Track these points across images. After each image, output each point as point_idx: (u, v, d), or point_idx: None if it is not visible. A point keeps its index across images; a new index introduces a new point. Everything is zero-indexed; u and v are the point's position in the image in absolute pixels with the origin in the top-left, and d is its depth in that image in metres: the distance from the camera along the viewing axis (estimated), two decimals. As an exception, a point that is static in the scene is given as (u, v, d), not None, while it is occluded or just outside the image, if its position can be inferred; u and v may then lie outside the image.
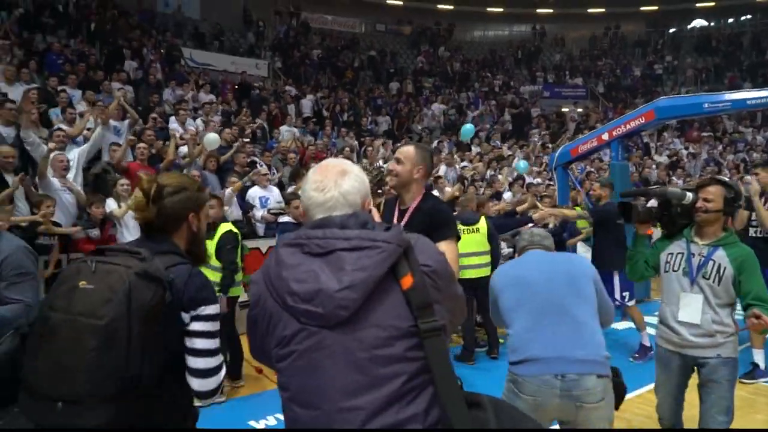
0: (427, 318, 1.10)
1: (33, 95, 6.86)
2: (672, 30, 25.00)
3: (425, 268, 1.15)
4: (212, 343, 1.54)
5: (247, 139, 8.76)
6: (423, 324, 1.09)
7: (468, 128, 7.43)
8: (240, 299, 4.65)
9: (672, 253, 2.74)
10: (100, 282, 1.42)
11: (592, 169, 10.48)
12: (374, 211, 1.30)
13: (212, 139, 6.54)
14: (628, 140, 8.15)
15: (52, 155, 5.40)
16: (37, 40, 12.87)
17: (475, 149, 12.15)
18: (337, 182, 1.24)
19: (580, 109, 18.40)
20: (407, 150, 2.45)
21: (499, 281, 2.50)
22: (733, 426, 2.68)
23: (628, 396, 3.84)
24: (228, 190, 6.25)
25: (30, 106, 6.21)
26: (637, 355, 5.12)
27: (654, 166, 11.66)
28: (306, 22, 22.60)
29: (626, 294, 5.14)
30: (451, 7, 26.49)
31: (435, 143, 12.15)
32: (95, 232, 5.05)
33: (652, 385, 3.00)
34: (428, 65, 21.84)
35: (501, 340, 5.23)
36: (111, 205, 5.30)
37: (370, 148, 10.33)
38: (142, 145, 6.43)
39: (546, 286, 2.31)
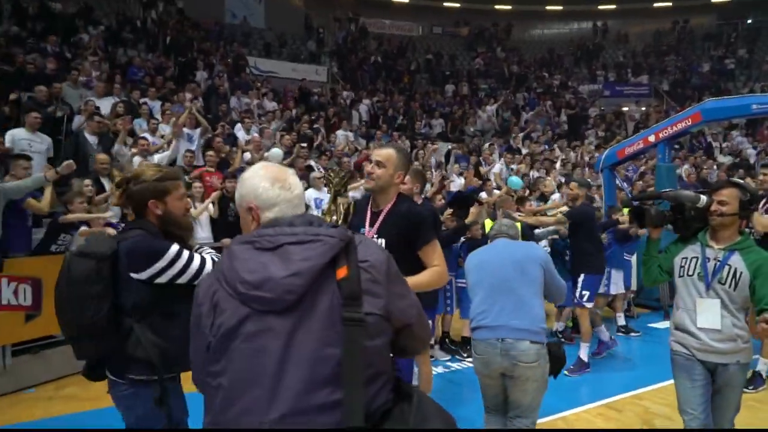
0: (352, 308, 1.18)
1: (120, 108, 7.81)
2: (749, 21, 23.74)
3: (363, 264, 1.23)
4: (187, 278, 2.06)
5: (305, 144, 9.43)
6: (346, 312, 1.17)
7: (514, 181, 7.70)
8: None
9: (686, 258, 2.69)
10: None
11: (647, 171, 10.41)
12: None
13: (275, 154, 7.20)
14: (675, 142, 8.12)
15: (136, 161, 6.23)
16: (119, 54, 14.17)
17: (525, 151, 12.31)
18: (296, 182, 1.39)
19: (643, 108, 17.97)
20: (388, 153, 2.42)
21: (467, 264, 3.10)
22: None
23: (648, 388, 4.14)
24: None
25: (120, 120, 7.12)
26: (572, 367, 4.90)
27: (715, 167, 11.37)
28: (364, 27, 23.30)
29: (586, 293, 4.96)
30: (509, 7, 26.40)
31: (486, 145, 12.40)
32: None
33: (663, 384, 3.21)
34: (485, 67, 21.95)
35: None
36: (186, 205, 6.06)
37: (421, 151, 10.75)
38: (211, 152, 7.20)
39: (499, 268, 2.89)
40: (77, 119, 7.39)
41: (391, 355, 1.33)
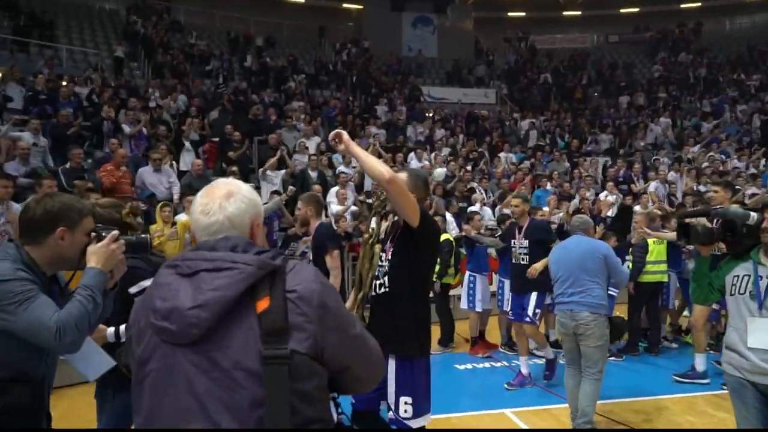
0: (275, 344, 1.08)
1: (323, 146, 10.14)
2: None
3: (290, 294, 1.13)
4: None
5: (469, 168, 10.83)
6: (266, 350, 1.07)
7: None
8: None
9: (738, 276, 2.61)
10: None
11: None
12: (260, 232, 1.30)
13: (438, 174, 8.73)
14: None
15: (335, 190, 8.28)
16: (317, 95, 17.17)
17: (706, 164, 11.97)
18: (221, 205, 1.24)
19: None
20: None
21: (552, 254, 4.32)
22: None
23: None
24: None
25: (323, 157, 9.38)
26: (513, 383, 5.05)
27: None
28: (534, 46, 23.94)
29: (538, 312, 5.08)
30: (698, 4, 24.65)
31: (652, 159, 12.42)
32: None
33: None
34: (666, 73, 20.97)
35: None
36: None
37: (581, 170, 11.34)
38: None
39: (569, 260, 4.04)
40: (297, 158, 9.79)
41: (333, 394, 1.25)
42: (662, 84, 20.10)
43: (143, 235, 2.38)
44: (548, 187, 9.94)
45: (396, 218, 2.64)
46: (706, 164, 11.83)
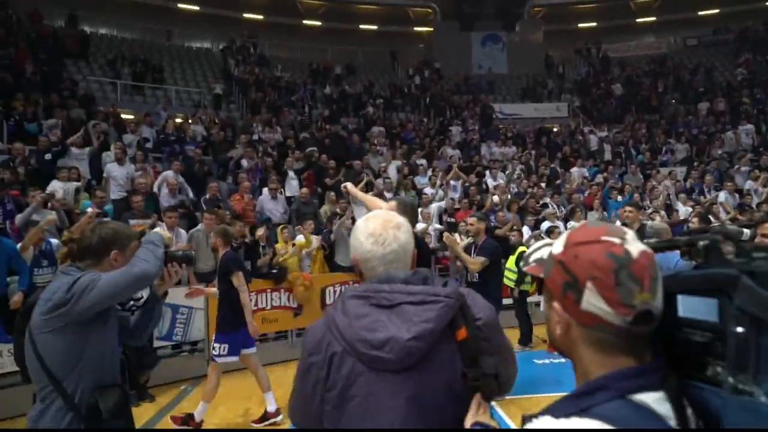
0: (474, 369, 1.25)
1: (405, 169, 11.47)
2: None
3: (477, 322, 1.30)
4: None
5: (543, 185, 11.75)
6: (470, 372, 1.24)
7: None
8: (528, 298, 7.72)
9: None
10: None
11: None
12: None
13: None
14: None
15: (419, 210, 9.55)
16: (393, 118, 18.59)
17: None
18: (395, 236, 1.38)
19: None
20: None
21: None
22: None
23: None
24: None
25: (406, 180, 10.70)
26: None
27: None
28: (606, 56, 24.26)
29: None
30: (786, -1, 24.00)
31: (727, 168, 12.76)
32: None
33: None
34: (750, 75, 20.71)
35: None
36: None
37: (653, 183, 11.94)
38: (465, 199, 10.17)
39: None
40: (380, 182, 11.16)
41: None
42: (746, 87, 19.90)
43: (190, 251, 3.21)
44: (619, 199, 10.68)
45: None
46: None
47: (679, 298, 0.89)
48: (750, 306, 0.77)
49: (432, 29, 25.53)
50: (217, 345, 4.79)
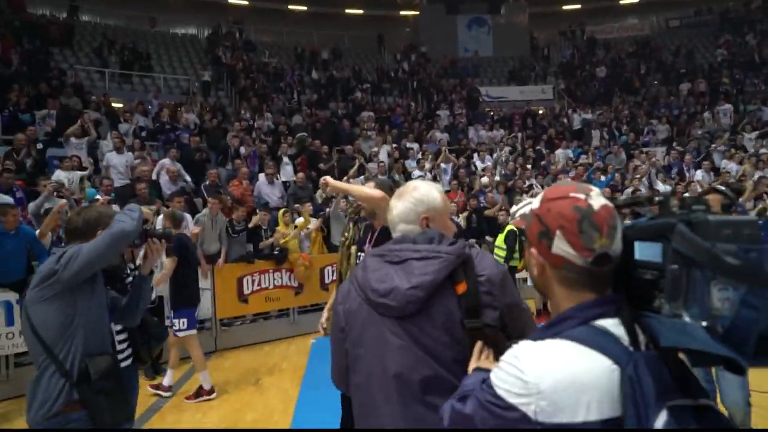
0: (473, 319, 1.41)
1: (396, 154, 11.83)
2: None
3: (480, 278, 1.45)
4: None
5: (528, 166, 12.21)
6: (468, 323, 1.41)
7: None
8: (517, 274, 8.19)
9: None
10: None
11: None
12: (437, 224, 1.60)
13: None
14: None
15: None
16: (381, 102, 18.86)
17: (764, 150, 12.74)
18: (410, 196, 1.62)
19: None
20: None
21: None
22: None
23: None
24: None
25: (397, 164, 11.07)
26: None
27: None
28: (592, 37, 24.67)
29: None
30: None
31: (712, 146, 13.31)
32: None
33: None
34: (730, 57, 21.27)
35: None
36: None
37: (636, 162, 12.45)
38: (455, 181, 10.59)
39: None
40: (371, 165, 11.54)
41: None
42: (726, 68, 20.45)
43: (169, 229, 3.56)
44: (602, 179, 11.18)
45: (367, 223, 3.15)
46: (764, 151, 12.59)
47: (636, 244, 1.06)
48: (682, 247, 0.93)
49: (418, 12, 25.70)
50: (176, 321, 5.13)
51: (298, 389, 5.43)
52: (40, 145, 8.50)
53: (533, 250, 1.12)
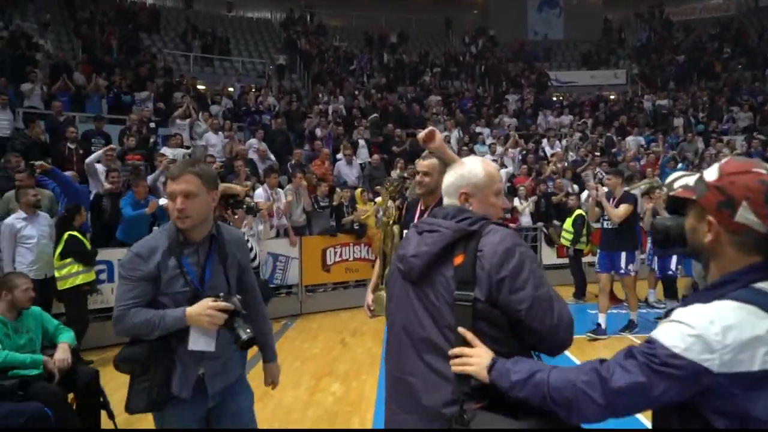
0: (464, 290, 1.50)
1: (466, 138, 12.34)
2: None
3: (479, 253, 1.53)
4: None
5: (598, 153, 12.39)
6: (457, 293, 1.51)
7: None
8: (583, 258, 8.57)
9: None
10: None
11: None
12: (477, 201, 1.70)
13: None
14: None
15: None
16: (449, 86, 19.24)
17: None
18: (448, 175, 1.76)
19: None
20: (432, 163, 2.91)
21: None
22: None
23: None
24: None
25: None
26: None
27: None
28: (669, 19, 23.90)
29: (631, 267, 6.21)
30: None
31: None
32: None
33: None
34: (824, 39, 20.17)
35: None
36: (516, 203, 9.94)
37: (713, 150, 12.36)
38: (524, 165, 10.99)
39: None
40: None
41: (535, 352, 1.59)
42: (818, 52, 19.46)
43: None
44: (678, 167, 11.24)
45: (410, 201, 3.29)
46: None
47: None
48: None
49: (487, -5, 25.71)
50: None
51: (380, 347, 6.15)
52: (152, 125, 9.59)
53: (711, 218, 1.20)
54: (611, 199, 6.20)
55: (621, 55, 22.24)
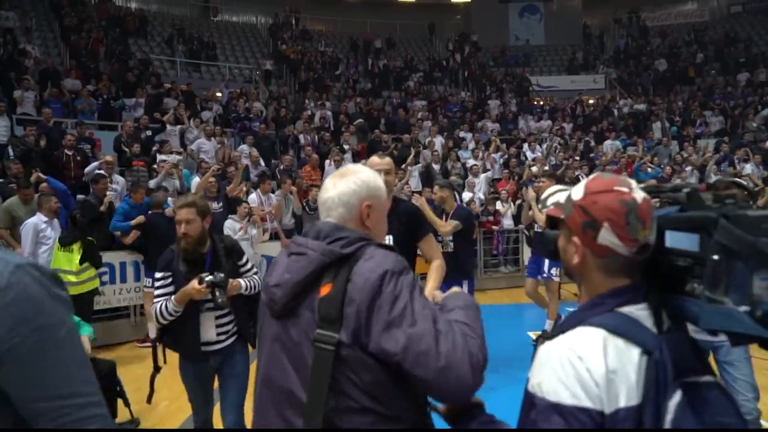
0: (327, 329, 1.20)
1: (450, 143, 12.81)
2: None
3: (349, 284, 1.23)
4: None
5: (577, 158, 12.94)
6: (318, 332, 1.21)
7: None
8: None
9: None
10: None
11: None
12: (375, 214, 1.41)
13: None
14: None
15: (467, 180, 10.91)
16: (432, 91, 19.70)
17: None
18: (336, 184, 1.41)
19: None
20: (389, 162, 2.87)
21: None
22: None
23: None
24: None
25: (452, 152, 12.07)
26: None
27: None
28: (645, 25, 24.65)
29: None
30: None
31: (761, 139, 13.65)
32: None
33: None
34: (793, 45, 20.99)
35: None
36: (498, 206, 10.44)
37: (685, 155, 12.99)
38: (506, 170, 11.49)
39: None
40: (425, 153, 12.53)
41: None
42: (788, 57, 20.19)
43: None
44: (649, 171, 11.83)
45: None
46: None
47: (667, 233, 1.11)
48: (726, 240, 0.97)
49: (469, 0, 26.24)
50: (149, 280, 6.20)
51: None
52: (149, 132, 9.90)
53: (576, 239, 1.15)
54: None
55: (600, 60, 22.91)
